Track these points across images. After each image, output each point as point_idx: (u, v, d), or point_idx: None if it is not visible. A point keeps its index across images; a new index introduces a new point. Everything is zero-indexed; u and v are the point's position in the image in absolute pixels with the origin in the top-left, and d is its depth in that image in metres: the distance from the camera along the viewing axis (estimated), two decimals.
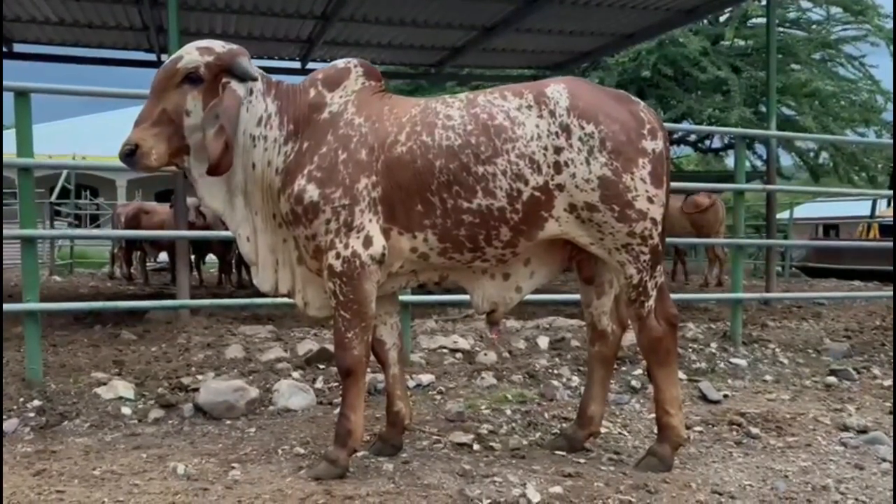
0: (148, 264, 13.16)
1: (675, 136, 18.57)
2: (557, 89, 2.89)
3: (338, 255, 2.81)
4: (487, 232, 2.87)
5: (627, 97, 3.01)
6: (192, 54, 2.82)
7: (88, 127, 25.63)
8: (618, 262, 2.93)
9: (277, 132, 2.90)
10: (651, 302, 2.97)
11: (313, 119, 2.92)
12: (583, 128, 2.82)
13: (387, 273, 2.94)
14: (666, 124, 3.39)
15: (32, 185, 4.01)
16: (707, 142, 19.23)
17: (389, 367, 3.19)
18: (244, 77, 2.84)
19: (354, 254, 2.81)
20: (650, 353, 3.02)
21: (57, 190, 16.91)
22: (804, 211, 21.15)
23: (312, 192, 2.81)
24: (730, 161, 22.90)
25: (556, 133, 2.82)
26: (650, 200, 2.88)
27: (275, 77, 3.04)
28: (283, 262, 2.99)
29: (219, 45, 2.87)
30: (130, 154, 2.74)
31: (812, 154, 17.49)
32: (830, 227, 20.00)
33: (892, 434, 3.54)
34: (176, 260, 6.07)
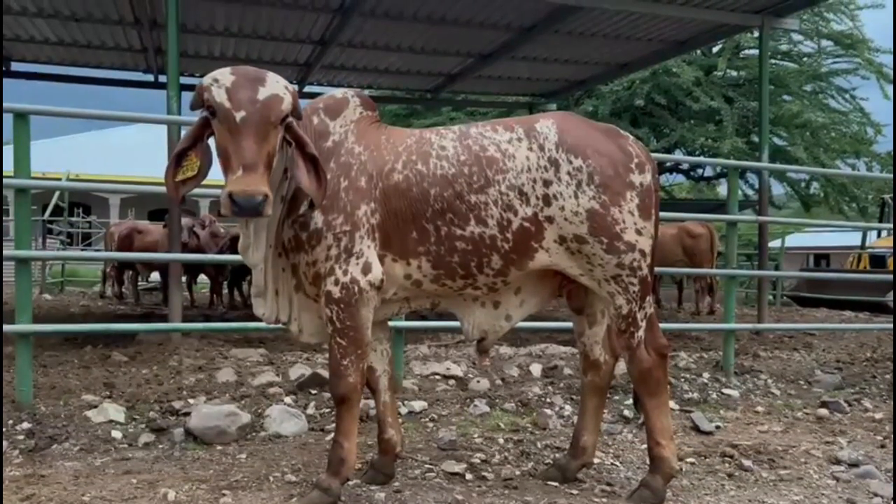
0: (139, 283, 13.12)
1: (668, 164, 18.79)
2: (546, 125, 2.94)
3: (336, 282, 2.82)
4: (479, 259, 2.89)
5: (616, 131, 3.06)
6: (287, 97, 2.60)
7: (83, 145, 25.65)
8: (607, 293, 2.96)
9: None
10: (640, 332, 2.99)
11: (318, 146, 2.91)
12: (571, 162, 2.87)
13: (380, 300, 2.95)
14: (660, 154, 3.42)
15: (29, 206, 4.02)
16: (699, 170, 19.38)
17: (380, 395, 3.19)
18: (298, 115, 2.75)
19: (353, 280, 2.82)
20: (640, 384, 3.03)
21: (50, 208, 16.87)
22: (795, 240, 21.30)
23: (317, 219, 2.82)
24: (722, 189, 23.09)
25: (545, 167, 2.86)
26: (638, 232, 2.91)
27: None
28: (282, 291, 2.98)
29: (290, 86, 2.69)
30: (263, 204, 2.43)
31: (803, 184, 17.65)
32: (821, 257, 20.13)
33: (884, 468, 3.55)
34: (168, 282, 6.04)
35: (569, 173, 2.86)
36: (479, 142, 2.93)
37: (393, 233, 2.88)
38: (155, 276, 12.85)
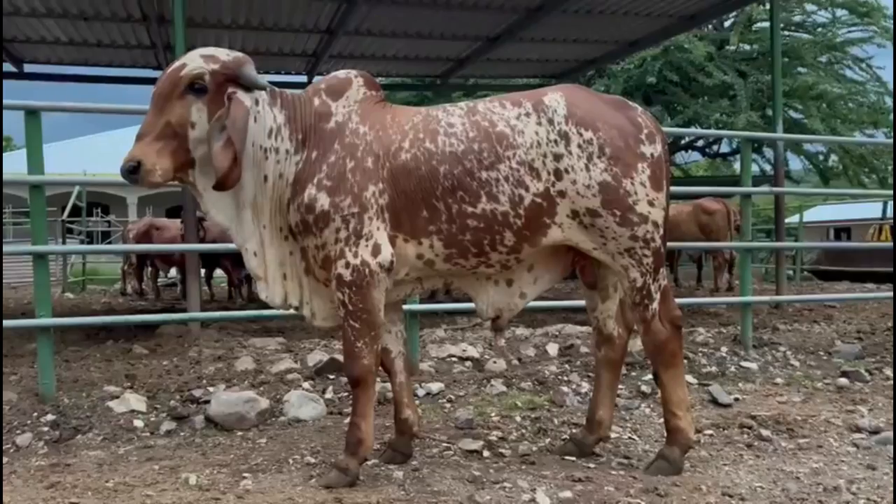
0: (159, 280, 13.25)
1: (683, 141, 18.61)
2: (555, 98, 2.92)
3: (347, 265, 2.83)
4: (492, 237, 2.89)
5: (625, 103, 3.04)
6: (195, 62, 2.73)
7: (98, 145, 25.85)
8: (621, 267, 2.95)
9: (288, 143, 2.88)
10: (655, 305, 2.98)
11: (320, 128, 2.93)
12: (581, 135, 2.85)
13: (392, 281, 2.96)
14: (674, 129, 3.40)
15: (44, 202, 4.06)
16: (715, 147, 19.19)
17: (396, 376, 3.21)
18: (251, 86, 2.78)
19: (363, 262, 2.83)
20: (656, 356, 3.03)
21: (68, 208, 17.05)
22: (815, 214, 21.09)
23: (323, 201, 2.82)
24: (738, 166, 22.85)
25: (556, 140, 2.85)
26: (651, 204, 2.90)
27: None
28: (291, 274, 2.99)
29: (223, 53, 2.79)
30: (133, 171, 2.63)
31: (821, 157, 17.41)
32: (842, 230, 19.91)
33: None
34: (186, 273, 6.10)
35: (579, 146, 2.85)
36: (487, 117, 2.92)
37: (403, 213, 2.88)
38: (174, 272, 12.96)
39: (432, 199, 2.86)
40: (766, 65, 15.48)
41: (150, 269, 12.75)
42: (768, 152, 17.21)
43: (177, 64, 2.77)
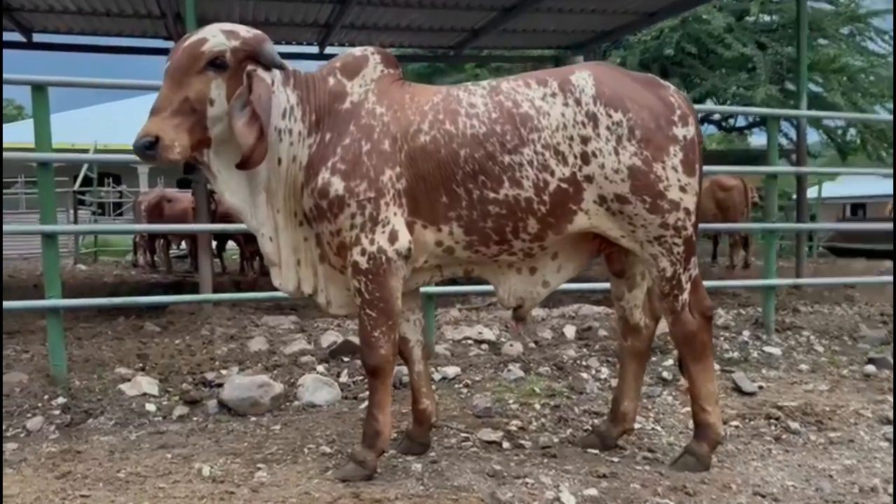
0: (171, 251, 13.22)
1: (701, 115, 18.30)
2: (583, 76, 2.77)
3: (363, 252, 2.72)
4: (515, 224, 2.77)
5: (656, 81, 2.88)
6: (217, 37, 2.60)
7: (110, 114, 25.67)
8: (650, 255, 2.82)
9: (301, 125, 2.77)
10: (685, 295, 2.86)
11: (335, 109, 2.80)
12: (610, 116, 2.71)
13: (411, 268, 2.84)
14: (701, 106, 3.23)
15: (52, 179, 3.96)
16: (731, 120, 18.86)
17: (414, 364, 3.11)
18: (271, 64, 2.68)
19: (380, 249, 2.72)
20: (685, 348, 2.92)
21: (80, 179, 17.00)
22: (831, 189, 20.75)
23: (338, 186, 2.71)
24: (753, 140, 22.47)
25: (583, 122, 2.71)
26: (683, 189, 2.76)
27: (292, 63, 2.91)
28: (305, 260, 2.89)
29: (244, 30, 2.68)
30: (150, 147, 2.48)
31: (840, 131, 17.08)
32: (858, 207, 19.63)
33: None
34: (198, 252, 6.01)
35: (608, 128, 2.70)
36: (511, 97, 2.77)
37: (421, 198, 2.76)
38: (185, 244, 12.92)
39: (452, 183, 2.74)
40: (787, 36, 15.14)
41: (161, 240, 12.72)
42: (785, 126, 16.93)
43: (195, 38, 2.62)
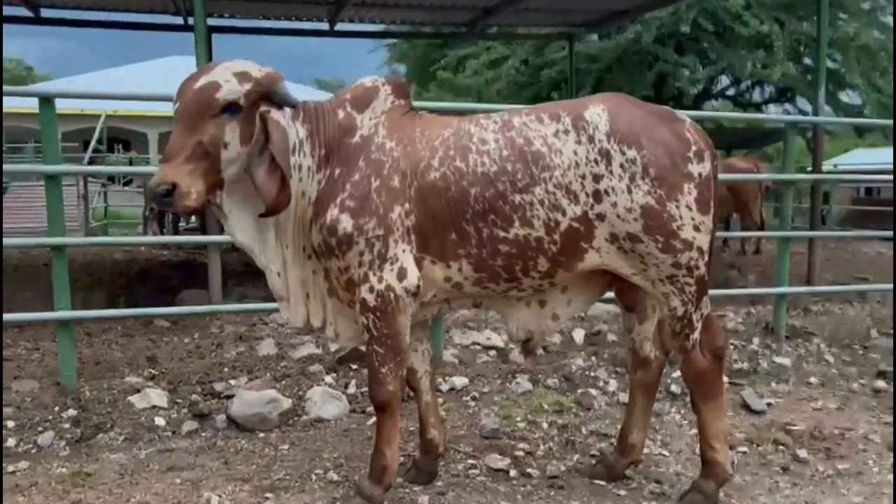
0: (180, 225, 13.22)
1: (715, 90, 18.02)
2: (597, 112, 2.71)
3: (371, 289, 2.70)
4: (524, 263, 2.74)
5: (672, 115, 2.82)
6: (231, 83, 2.52)
7: (120, 80, 25.51)
8: (661, 294, 2.78)
9: (310, 159, 2.73)
10: (696, 334, 2.83)
11: (344, 143, 2.76)
12: (624, 153, 2.65)
13: (419, 303, 2.83)
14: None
15: (60, 191, 3.94)
16: (746, 95, 18.57)
17: (422, 395, 3.11)
18: (282, 103, 2.63)
19: (388, 287, 2.70)
20: (695, 387, 2.90)
21: (90, 149, 16.91)
22: (845, 162, 20.50)
23: (346, 223, 2.68)
24: (767, 115, 22.13)
25: (596, 160, 2.65)
26: (696, 229, 2.71)
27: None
28: (314, 294, 2.88)
29: (255, 69, 2.61)
30: (167, 194, 2.43)
31: (856, 110, 16.81)
32: (871, 188, 19.42)
33: None
34: (208, 250, 6.00)
35: (622, 166, 2.65)
36: (522, 133, 2.72)
37: (431, 235, 2.73)
38: (194, 218, 12.91)
39: (462, 221, 2.70)
40: (805, 13, 14.82)
41: (171, 215, 12.70)
42: (801, 102, 16.64)
43: (206, 81, 2.53)
